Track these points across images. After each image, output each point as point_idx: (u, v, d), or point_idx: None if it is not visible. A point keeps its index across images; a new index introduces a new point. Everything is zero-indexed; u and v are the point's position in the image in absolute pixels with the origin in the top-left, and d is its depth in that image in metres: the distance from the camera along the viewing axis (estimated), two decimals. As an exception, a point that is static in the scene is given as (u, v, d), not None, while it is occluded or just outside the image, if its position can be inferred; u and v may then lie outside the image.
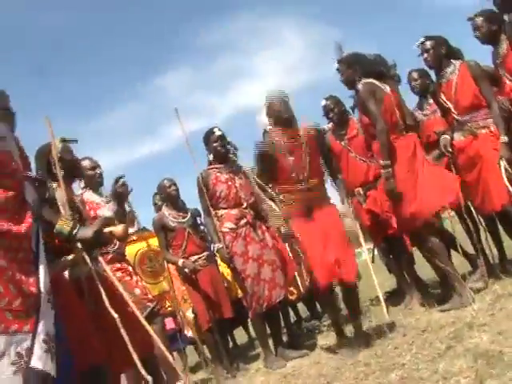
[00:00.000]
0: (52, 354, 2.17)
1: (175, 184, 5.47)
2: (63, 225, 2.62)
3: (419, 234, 4.32)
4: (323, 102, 5.42)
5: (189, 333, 5.53)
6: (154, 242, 5.64)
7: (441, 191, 4.21)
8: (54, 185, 3.32)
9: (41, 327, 2.17)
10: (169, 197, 5.46)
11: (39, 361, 2.11)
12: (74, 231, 2.64)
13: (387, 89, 4.37)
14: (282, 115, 4.31)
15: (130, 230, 5.35)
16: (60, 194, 3.20)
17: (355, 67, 4.48)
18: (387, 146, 4.19)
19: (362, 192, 5.28)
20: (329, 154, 4.66)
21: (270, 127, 4.40)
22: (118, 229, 3.31)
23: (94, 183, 4.42)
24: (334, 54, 4.69)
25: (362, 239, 5.36)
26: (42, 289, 2.29)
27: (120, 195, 4.08)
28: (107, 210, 3.67)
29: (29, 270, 2.28)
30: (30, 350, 2.09)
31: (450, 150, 4.57)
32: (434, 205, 4.33)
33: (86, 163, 4.36)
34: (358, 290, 4.42)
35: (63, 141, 3.57)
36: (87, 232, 2.69)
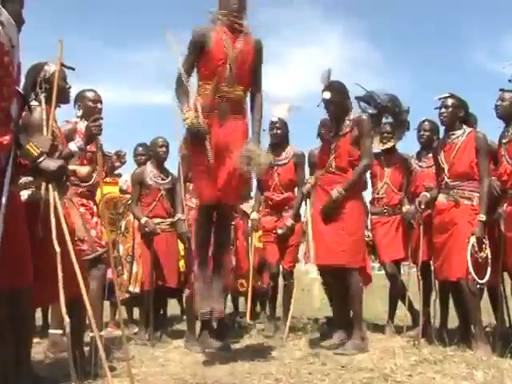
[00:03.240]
0: None
1: (167, 146, 5.47)
2: (31, 149, 2.64)
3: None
4: (274, 119, 5.49)
5: (136, 289, 5.52)
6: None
7: None
8: (36, 104, 3.34)
9: None
10: (156, 156, 5.47)
11: None
12: (39, 160, 2.66)
13: None
14: (231, 9, 3.88)
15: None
16: (40, 116, 3.20)
17: (348, 98, 4.62)
18: (359, 181, 4.55)
19: None
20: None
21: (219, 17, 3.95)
22: (82, 170, 3.33)
23: (92, 116, 4.36)
24: (322, 80, 4.60)
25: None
26: (3, 201, 2.32)
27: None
28: (74, 144, 3.66)
29: None
30: None
31: (423, 207, 4.68)
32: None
33: (89, 94, 4.31)
34: None
35: (61, 65, 3.48)
36: (51, 164, 2.71)
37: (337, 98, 4.52)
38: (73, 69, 3.66)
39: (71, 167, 3.16)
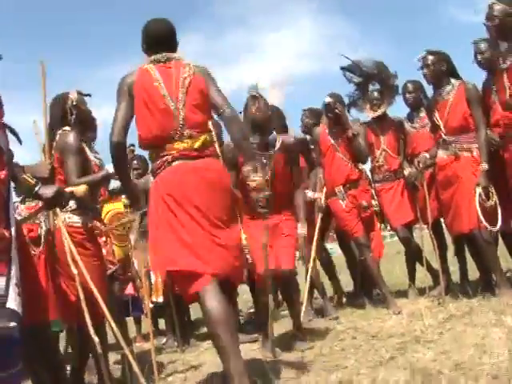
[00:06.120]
0: (21, 299, 2.22)
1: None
2: (27, 180, 2.67)
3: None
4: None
5: (159, 298, 5.51)
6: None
7: None
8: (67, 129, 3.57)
9: (13, 271, 2.21)
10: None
11: (14, 302, 2.16)
12: (36, 188, 2.70)
13: None
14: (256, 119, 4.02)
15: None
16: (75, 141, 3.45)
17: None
18: None
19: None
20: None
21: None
22: (79, 189, 3.36)
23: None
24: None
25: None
26: (13, 234, 2.32)
27: None
28: (111, 167, 3.71)
29: (1, 215, 2.32)
30: (5, 291, 2.13)
31: (422, 166, 4.67)
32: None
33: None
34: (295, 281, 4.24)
35: (78, 93, 3.70)
36: (47, 192, 2.75)
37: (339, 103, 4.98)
38: (89, 95, 3.80)
39: (68, 189, 3.18)
